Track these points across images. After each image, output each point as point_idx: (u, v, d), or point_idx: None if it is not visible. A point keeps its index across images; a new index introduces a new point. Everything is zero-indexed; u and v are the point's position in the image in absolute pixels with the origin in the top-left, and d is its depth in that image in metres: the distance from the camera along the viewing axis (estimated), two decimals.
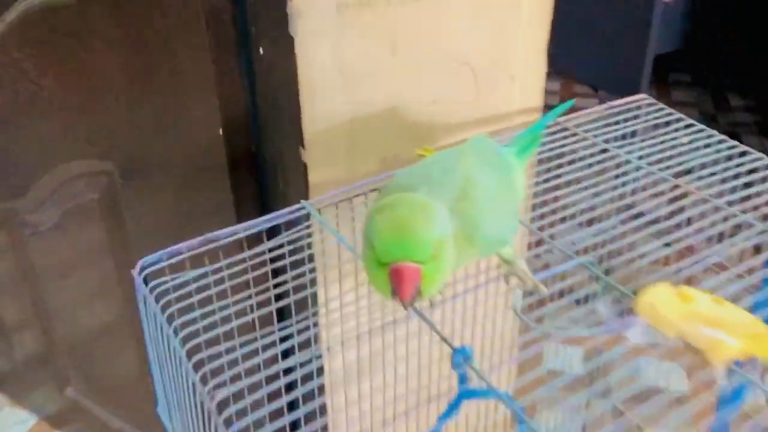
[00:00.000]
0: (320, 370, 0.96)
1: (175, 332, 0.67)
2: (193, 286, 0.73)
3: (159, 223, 1.12)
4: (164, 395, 0.76)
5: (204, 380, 0.66)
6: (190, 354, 0.67)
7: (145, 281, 0.73)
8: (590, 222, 0.82)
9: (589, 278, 0.72)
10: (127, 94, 1.02)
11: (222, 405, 0.64)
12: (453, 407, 0.61)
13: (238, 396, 0.65)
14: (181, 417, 0.72)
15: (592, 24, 2.90)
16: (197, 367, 0.67)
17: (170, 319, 0.71)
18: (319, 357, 0.90)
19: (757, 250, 0.79)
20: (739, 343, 0.58)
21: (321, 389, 0.97)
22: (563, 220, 0.82)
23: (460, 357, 0.60)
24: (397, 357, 0.95)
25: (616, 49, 2.84)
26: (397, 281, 0.54)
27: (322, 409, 0.97)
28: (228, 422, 0.61)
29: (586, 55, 2.97)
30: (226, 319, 0.74)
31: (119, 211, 1.17)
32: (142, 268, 0.72)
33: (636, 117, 1.00)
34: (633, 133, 0.98)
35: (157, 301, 0.69)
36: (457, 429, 1.19)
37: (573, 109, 0.96)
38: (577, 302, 0.72)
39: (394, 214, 0.55)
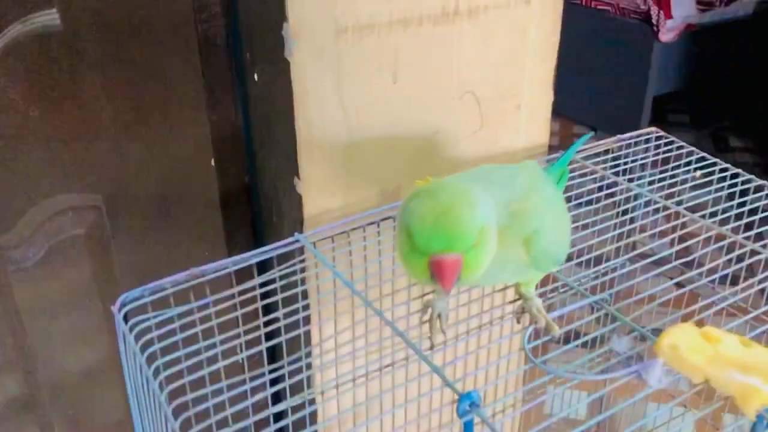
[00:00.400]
0: (313, 416, 0.90)
1: (156, 373, 0.62)
2: (178, 323, 0.68)
3: (148, 259, 1.07)
4: None
5: (188, 426, 0.60)
6: (172, 397, 0.62)
7: (127, 318, 0.68)
8: (598, 260, 0.78)
9: (601, 318, 0.67)
10: (116, 125, 0.98)
11: None
12: None
13: None
14: None
15: (591, 64, 2.90)
16: (181, 410, 0.61)
17: (152, 359, 0.66)
18: (313, 402, 0.85)
19: None
20: None
21: None
22: (569, 258, 0.78)
23: (467, 403, 0.55)
24: (396, 403, 0.89)
25: (615, 89, 2.84)
26: (439, 273, 0.53)
27: None
28: None
29: (585, 96, 2.96)
30: (212, 359, 0.69)
31: (107, 247, 1.12)
32: (123, 305, 0.68)
33: (646, 150, 0.96)
34: (643, 167, 0.94)
35: (136, 339, 0.64)
36: None
37: (560, 149, 0.93)
38: (584, 345, 0.68)
39: (434, 202, 0.53)
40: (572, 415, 1.54)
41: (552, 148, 0.92)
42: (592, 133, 0.86)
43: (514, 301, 0.70)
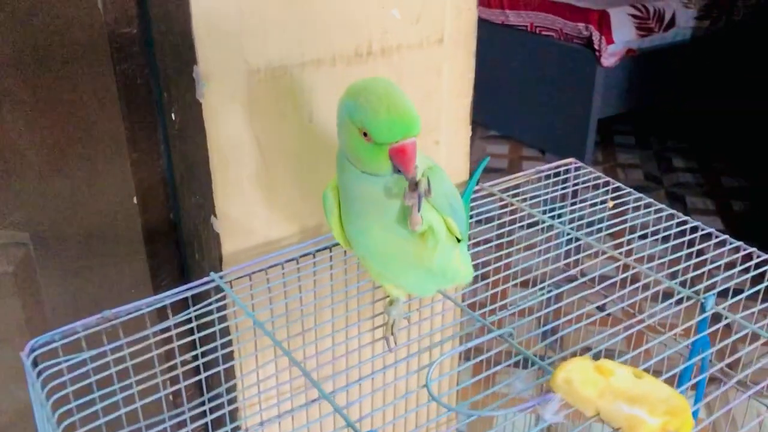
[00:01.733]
0: None
1: (62, 418, 0.62)
2: (91, 365, 0.68)
3: (78, 297, 1.06)
4: None
5: None
6: None
7: (38, 364, 0.67)
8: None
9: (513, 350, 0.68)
10: (40, 163, 0.98)
11: None
12: None
13: None
14: None
15: (538, 88, 2.96)
16: None
17: (65, 402, 0.66)
18: None
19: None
20: (659, 421, 0.55)
21: None
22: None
23: None
24: None
25: (561, 113, 2.90)
26: (402, 158, 0.56)
27: None
28: None
29: (532, 119, 3.02)
30: (129, 400, 0.69)
31: (36, 285, 1.11)
32: (32, 350, 0.67)
33: (565, 181, 0.99)
34: (563, 197, 0.97)
35: (43, 386, 0.63)
36: None
37: (509, 171, 0.95)
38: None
39: (379, 93, 0.57)
40: None
41: (501, 171, 0.94)
42: (488, 159, 0.88)
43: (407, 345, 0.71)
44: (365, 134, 0.57)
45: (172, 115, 0.82)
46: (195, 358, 0.72)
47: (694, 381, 0.68)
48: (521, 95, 3.03)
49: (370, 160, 0.58)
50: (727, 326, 0.74)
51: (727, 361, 0.70)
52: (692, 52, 2.98)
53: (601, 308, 0.78)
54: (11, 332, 1.19)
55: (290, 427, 0.77)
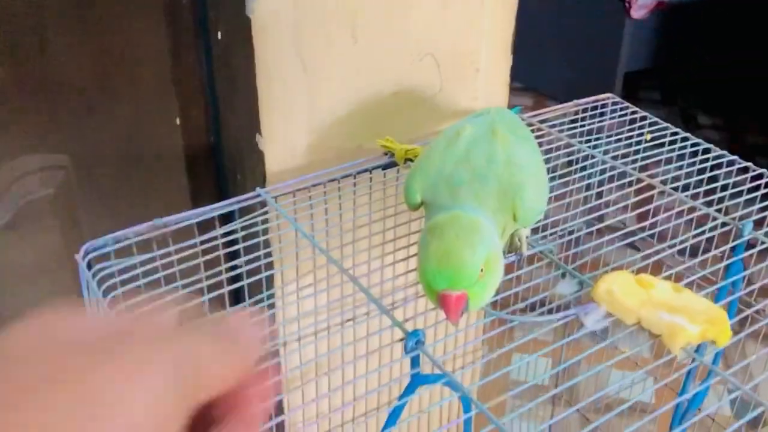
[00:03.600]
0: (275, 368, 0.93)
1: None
2: (140, 269, 0.70)
3: (116, 218, 1.08)
4: None
5: None
6: None
7: (90, 267, 0.70)
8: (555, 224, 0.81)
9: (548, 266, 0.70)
10: (81, 83, 0.99)
11: None
12: (407, 392, 0.59)
13: None
14: None
15: (563, 41, 2.93)
16: None
17: (115, 304, 0.68)
18: (276, 353, 0.87)
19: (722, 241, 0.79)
20: (698, 328, 0.57)
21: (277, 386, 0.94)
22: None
23: (413, 340, 0.58)
24: (357, 355, 0.92)
25: (588, 65, 2.87)
26: (445, 308, 0.57)
27: (278, 407, 0.94)
28: None
29: (558, 71, 2.99)
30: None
31: (74, 207, 1.13)
32: (86, 253, 0.69)
33: (602, 115, 0.99)
34: (599, 130, 0.97)
35: (99, 284, 0.66)
36: (417, 422, 1.17)
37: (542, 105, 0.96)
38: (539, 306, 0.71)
39: (439, 243, 0.57)
40: (537, 382, 1.59)
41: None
42: (520, 107, 0.89)
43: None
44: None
45: (219, 35, 0.83)
46: (239, 266, 0.74)
47: (728, 299, 0.70)
48: (547, 46, 2.99)
49: (426, 291, 0.60)
50: (761, 257, 0.75)
51: (761, 283, 0.71)
52: (724, 7, 2.93)
53: (637, 233, 0.79)
54: (50, 256, 1.22)
55: (339, 342, 0.79)
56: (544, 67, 3.03)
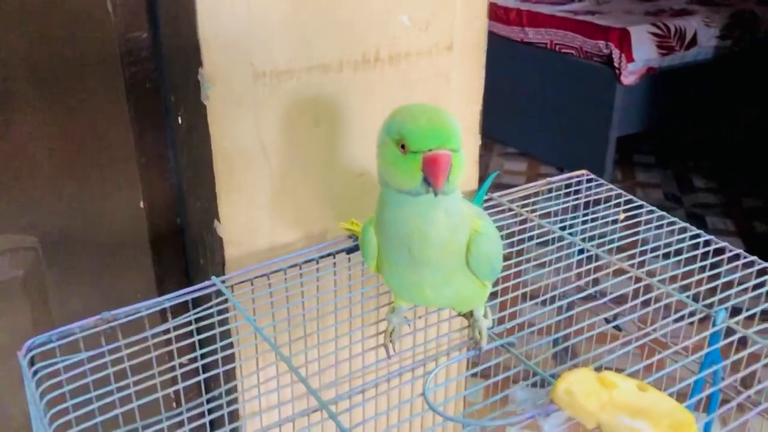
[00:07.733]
0: None
1: (54, 418, 0.61)
2: (88, 365, 0.67)
3: (86, 302, 1.06)
4: None
5: None
6: None
7: (34, 364, 0.67)
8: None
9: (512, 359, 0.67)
10: (49, 167, 0.98)
11: None
12: None
13: None
14: None
15: (557, 106, 2.95)
16: None
17: (61, 402, 0.65)
18: None
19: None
20: None
21: None
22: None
23: None
24: None
25: (580, 131, 2.88)
26: (433, 167, 0.55)
27: None
28: None
29: (551, 137, 3.00)
30: (125, 400, 0.68)
31: (44, 289, 1.11)
32: (29, 350, 0.67)
33: (577, 192, 0.98)
34: (573, 209, 0.95)
35: (38, 386, 0.63)
36: None
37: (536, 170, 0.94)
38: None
39: (421, 108, 0.58)
40: None
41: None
42: (497, 172, 0.87)
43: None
44: (402, 146, 0.57)
45: (179, 119, 0.82)
46: (194, 360, 0.71)
47: (704, 394, 0.66)
48: (540, 112, 3.01)
49: (404, 173, 0.57)
50: (742, 344, 0.72)
51: (740, 374, 0.67)
52: (714, 71, 2.95)
53: (609, 321, 0.77)
54: (20, 337, 1.19)
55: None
56: (537, 133, 3.05)
